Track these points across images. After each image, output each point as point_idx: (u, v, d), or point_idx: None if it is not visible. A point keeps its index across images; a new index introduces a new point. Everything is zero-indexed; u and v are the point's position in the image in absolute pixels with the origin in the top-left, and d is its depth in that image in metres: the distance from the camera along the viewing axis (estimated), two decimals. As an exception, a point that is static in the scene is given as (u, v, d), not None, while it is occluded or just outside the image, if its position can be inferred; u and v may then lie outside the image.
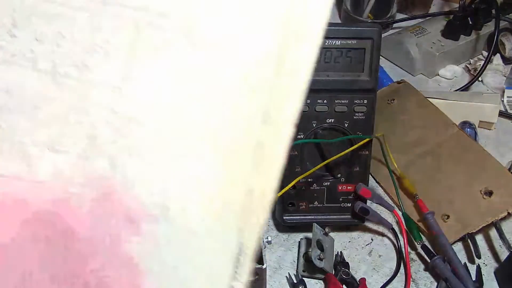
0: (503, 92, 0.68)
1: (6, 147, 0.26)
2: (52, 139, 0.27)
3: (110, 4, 0.27)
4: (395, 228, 0.51)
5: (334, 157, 0.47)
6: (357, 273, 0.48)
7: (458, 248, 0.50)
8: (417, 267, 0.49)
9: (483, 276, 0.47)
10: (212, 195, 0.25)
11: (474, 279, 0.47)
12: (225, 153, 0.25)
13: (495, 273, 0.48)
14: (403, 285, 0.47)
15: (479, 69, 0.69)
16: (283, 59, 0.25)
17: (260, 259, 0.41)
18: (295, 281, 0.47)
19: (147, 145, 0.26)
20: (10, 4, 0.27)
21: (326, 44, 0.45)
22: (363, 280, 0.47)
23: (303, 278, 0.47)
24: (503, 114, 0.65)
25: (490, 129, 0.63)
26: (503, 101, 0.67)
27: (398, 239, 0.50)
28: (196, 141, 0.26)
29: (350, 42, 0.46)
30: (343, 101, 0.47)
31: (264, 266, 0.41)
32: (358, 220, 0.51)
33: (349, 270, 0.48)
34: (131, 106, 0.26)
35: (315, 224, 0.48)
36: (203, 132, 0.26)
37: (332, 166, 0.49)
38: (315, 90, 0.46)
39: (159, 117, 0.26)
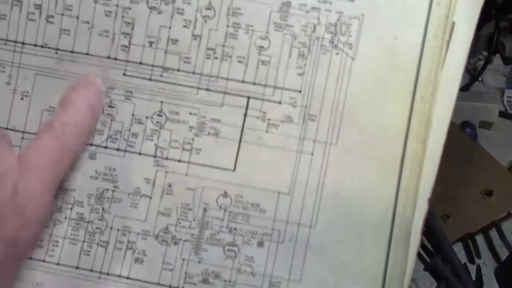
0: (503, 92, 0.68)
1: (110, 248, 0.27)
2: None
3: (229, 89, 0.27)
4: (395, 228, 0.51)
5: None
6: (357, 273, 0.48)
7: (458, 248, 0.50)
8: (417, 267, 0.49)
9: (483, 276, 0.47)
10: None
11: (474, 279, 0.47)
12: None
13: (495, 273, 0.48)
14: (403, 285, 0.47)
15: (479, 69, 0.69)
16: None
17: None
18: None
19: None
20: None
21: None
22: (363, 280, 0.47)
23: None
24: (503, 114, 0.65)
25: (490, 129, 0.63)
26: (503, 101, 0.67)
27: (398, 239, 0.50)
28: None
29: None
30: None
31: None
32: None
33: (349, 270, 0.48)
34: (244, 188, 0.26)
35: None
36: None
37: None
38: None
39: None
